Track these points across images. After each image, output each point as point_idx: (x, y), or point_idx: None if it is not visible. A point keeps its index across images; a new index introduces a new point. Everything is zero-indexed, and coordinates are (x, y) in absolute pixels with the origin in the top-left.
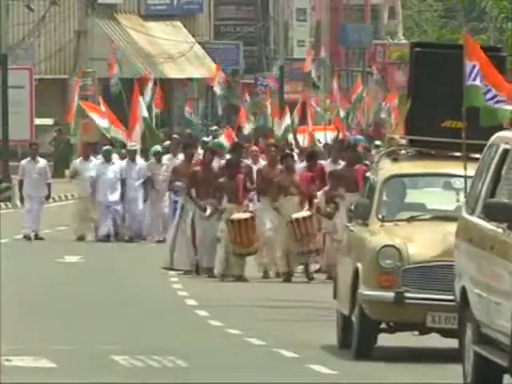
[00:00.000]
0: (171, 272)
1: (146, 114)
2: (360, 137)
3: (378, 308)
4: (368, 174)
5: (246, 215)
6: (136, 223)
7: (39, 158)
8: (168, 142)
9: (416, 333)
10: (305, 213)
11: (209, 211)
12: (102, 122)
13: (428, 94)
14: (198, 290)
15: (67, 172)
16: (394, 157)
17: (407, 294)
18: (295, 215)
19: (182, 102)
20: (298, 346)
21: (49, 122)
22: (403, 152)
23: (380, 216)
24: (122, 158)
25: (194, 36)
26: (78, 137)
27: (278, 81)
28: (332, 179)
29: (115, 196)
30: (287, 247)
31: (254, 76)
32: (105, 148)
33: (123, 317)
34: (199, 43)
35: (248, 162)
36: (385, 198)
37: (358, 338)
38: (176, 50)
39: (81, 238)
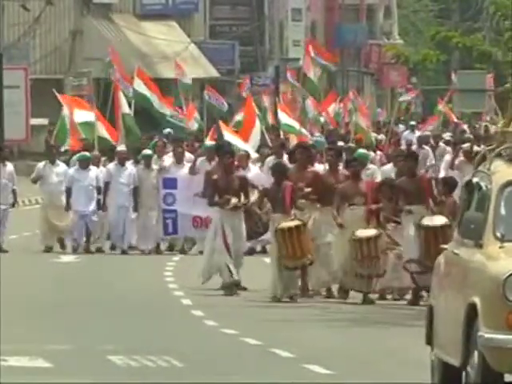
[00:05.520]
0: (166, 272)
1: (127, 110)
2: (321, 139)
3: (506, 356)
4: (475, 180)
5: (296, 222)
6: (120, 232)
7: (7, 162)
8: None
9: None
10: (371, 231)
11: (233, 201)
12: (88, 116)
13: None
14: (193, 289)
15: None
16: (511, 157)
17: None
18: (360, 233)
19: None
20: (293, 345)
21: (44, 121)
22: None
23: (498, 234)
24: (110, 160)
25: (189, 36)
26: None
27: (274, 80)
28: (392, 191)
29: (91, 205)
30: (345, 265)
31: (249, 75)
32: (82, 154)
33: (119, 317)
34: (194, 43)
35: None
36: (503, 210)
37: None
38: (171, 50)
39: (47, 250)
